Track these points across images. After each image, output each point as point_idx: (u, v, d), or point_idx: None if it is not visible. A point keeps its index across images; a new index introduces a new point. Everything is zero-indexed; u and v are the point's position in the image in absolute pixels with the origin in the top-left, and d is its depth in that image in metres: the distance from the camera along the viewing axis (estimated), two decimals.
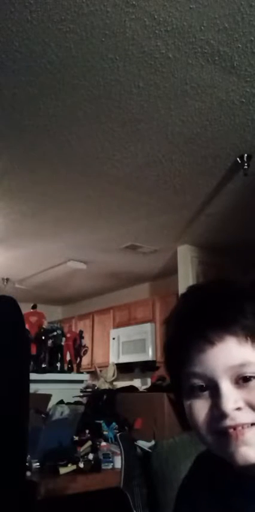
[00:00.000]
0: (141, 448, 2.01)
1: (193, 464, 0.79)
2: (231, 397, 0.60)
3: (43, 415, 2.29)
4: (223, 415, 0.60)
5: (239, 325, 0.61)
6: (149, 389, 3.10)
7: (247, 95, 2.38)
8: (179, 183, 3.41)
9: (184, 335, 0.64)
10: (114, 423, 2.49)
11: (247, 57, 2.11)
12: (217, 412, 0.60)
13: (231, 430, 0.60)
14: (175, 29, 1.94)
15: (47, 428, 2.22)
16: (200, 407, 0.62)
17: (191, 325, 0.63)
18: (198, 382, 0.62)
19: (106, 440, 2.35)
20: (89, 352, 5.79)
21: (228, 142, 2.84)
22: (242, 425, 0.59)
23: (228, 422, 0.59)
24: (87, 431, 2.40)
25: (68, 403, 2.61)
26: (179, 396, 0.67)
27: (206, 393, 0.62)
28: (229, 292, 0.65)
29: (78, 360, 3.37)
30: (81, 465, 2.08)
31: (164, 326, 0.71)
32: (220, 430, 0.60)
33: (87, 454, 2.18)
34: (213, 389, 0.61)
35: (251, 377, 0.60)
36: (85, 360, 4.94)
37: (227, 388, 0.60)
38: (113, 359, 6.00)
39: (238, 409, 0.60)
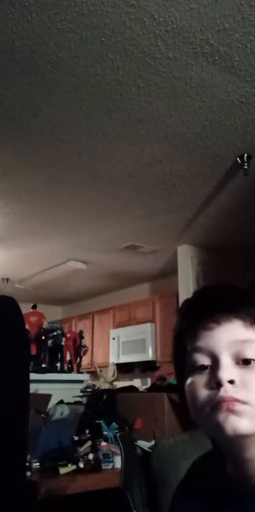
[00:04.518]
0: (141, 448, 2.01)
1: (189, 470, 0.80)
2: (229, 369, 0.63)
3: (43, 415, 2.29)
4: (218, 384, 0.62)
5: (246, 311, 0.66)
6: (149, 389, 3.09)
7: (247, 95, 2.38)
8: (179, 183, 3.41)
9: (193, 317, 0.68)
10: (114, 423, 2.49)
11: (247, 57, 2.11)
12: (213, 382, 0.63)
13: (223, 403, 0.62)
14: (175, 29, 1.94)
15: (47, 428, 2.22)
16: (199, 382, 0.65)
17: (199, 309, 0.68)
18: (201, 358, 0.66)
19: (106, 440, 2.35)
20: (89, 352, 5.79)
21: (228, 142, 2.84)
22: (234, 400, 0.62)
23: (221, 392, 0.62)
24: (87, 431, 2.40)
25: (68, 403, 2.61)
26: (182, 385, 0.69)
27: (207, 370, 0.65)
28: (236, 287, 0.71)
29: (78, 360, 3.36)
30: (81, 465, 2.08)
31: (170, 322, 0.75)
32: (214, 402, 0.63)
33: (87, 454, 2.17)
34: (214, 364, 0.64)
35: (251, 360, 0.63)
36: (85, 360, 4.94)
37: (226, 362, 0.64)
38: (113, 359, 6.00)
39: (232, 382, 0.62)
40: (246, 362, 0.63)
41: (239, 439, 0.62)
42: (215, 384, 0.63)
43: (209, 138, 2.80)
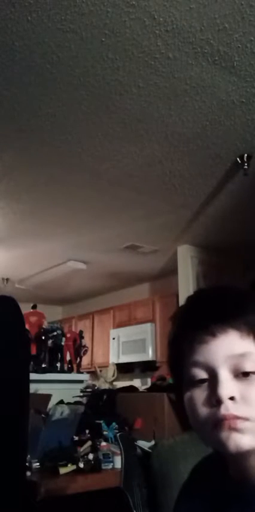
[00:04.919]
0: (141, 448, 2.01)
1: (190, 473, 0.79)
2: (229, 385, 0.61)
3: (43, 415, 2.29)
4: (218, 401, 0.61)
5: (242, 320, 0.63)
6: (149, 389, 3.10)
7: (247, 95, 2.38)
8: (179, 183, 3.41)
9: (188, 328, 0.66)
10: (114, 423, 2.49)
11: (247, 57, 2.11)
12: (214, 399, 0.62)
13: (225, 421, 0.61)
14: (175, 29, 1.94)
15: (47, 428, 2.22)
16: (199, 397, 0.64)
17: (194, 319, 0.66)
18: (199, 372, 0.64)
19: (106, 440, 2.35)
20: (89, 352, 5.79)
21: (228, 142, 2.84)
22: (236, 417, 0.60)
23: (222, 410, 0.61)
24: (87, 431, 2.40)
25: (68, 403, 2.61)
26: (180, 394, 0.68)
27: (206, 384, 0.64)
28: (232, 292, 0.68)
29: (78, 360, 3.36)
30: (81, 465, 2.08)
31: (169, 323, 0.73)
32: (215, 420, 0.61)
33: (87, 454, 2.17)
34: (212, 378, 0.63)
35: (250, 372, 0.62)
36: (85, 360, 4.94)
37: (225, 376, 0.62)
38: (113, 359, 6.00)
39: (232, 398, 0.61)
40: (245, 375, 0.62)
41: (242, 453, 0.62)
42: (216, 401, 0.61)
43: (209, 138, 2.80)
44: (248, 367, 0.62)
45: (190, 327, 0.66)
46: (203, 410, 0.63)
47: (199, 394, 0.64)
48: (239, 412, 0.61)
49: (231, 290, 0.69)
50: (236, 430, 0.60)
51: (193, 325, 0.66)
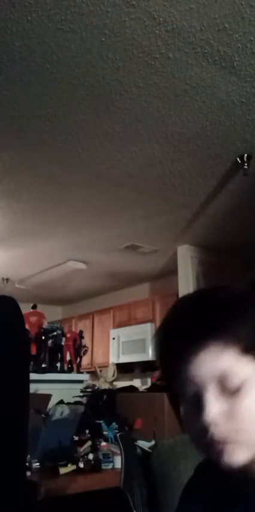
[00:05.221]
0: (141, 448, 2.01)
1: (193, 473, 0.79)
2: (213, 408, 0.60)
3: (43, 415, 2.29)
4: (204, 428, 0.60)
5: (224, 334, 0.61)
6: (149, 389, 3.10)
7: (247, 95, 2.38)
8: (179, 183, 3.41)
9: (171, 349, 0.65)
10: (114, 423, 2.49)
11: (247, 57, 2.11)
12: (200, 423, 0.61)
13: (214, 443, 0.60)
14: (175, 29, 1.94)
15: (47, 428, 2.22)
16: (190, 414, 0.63)
17: (175, 339, 0.65)
18: (188, 390, 0.63)
19: (106, 440, 2.35)
20: (89, 352, 5.79)
21: (228, 142, 2.84)
22: (224, 439, 0.60)
23: (210, 434, 0.60)
24: (87, 431, 2.40)
25: (68, 403, 2.61)
26: (176, 400, 0.68)
27: (197, 399, 0.63)
28: (210, 303, 0.65)
29: (78, 360, 3.36)
30: (81, 465, 2.07)
31: (154, 339, 0.72)
32: (205, 441, 0.61)
33: (87, 454, 2.17)
34: (200, 398, 0.62)
35: (235, 386, 0.60)
36: (85, 360, 4.94)
37: (211, 397, 0.61)
38: (113, 359, 6.00)
39: (218, 421, 0.60)
40: (231, 389, 0.60)
41: (238, 467, 0.61)
42: (202, 426, 0.61)
43: (209, 138, 2.80)
44: (232, 382, 0.60)
45: (172, 347, 0.65)
46: (195, 429, 0.62)
47: (191, 411, 0.63)
48: (227, 432, 0.60)
49: (212, 299, 0.66)
50: (226, 449, 0.60)
51: (175, 345, 0.64)
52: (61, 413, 2.32)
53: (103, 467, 2.14)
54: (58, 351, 3.19)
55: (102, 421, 2.50)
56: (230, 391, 0.60)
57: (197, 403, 0.62)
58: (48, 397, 2.59)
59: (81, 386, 3.18)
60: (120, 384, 3.92)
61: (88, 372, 3.85)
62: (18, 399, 1.36)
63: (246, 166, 3.01)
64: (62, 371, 3.19)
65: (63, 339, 3.21)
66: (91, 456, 2.15)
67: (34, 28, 1.94)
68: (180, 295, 4.78)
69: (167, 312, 0.69)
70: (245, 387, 0.60)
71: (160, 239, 4.74)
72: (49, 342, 3.11)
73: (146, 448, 1.98)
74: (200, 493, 0.73)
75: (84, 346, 3.42)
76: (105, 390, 3.14)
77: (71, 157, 3.04)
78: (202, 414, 0.60)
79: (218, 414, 0.60)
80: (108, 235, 4.62)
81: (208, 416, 0.60)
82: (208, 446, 0.61)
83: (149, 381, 4.86)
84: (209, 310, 0.63)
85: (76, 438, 2.31)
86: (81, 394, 3.02)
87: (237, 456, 0.60)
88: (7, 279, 6.20)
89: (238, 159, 3.01)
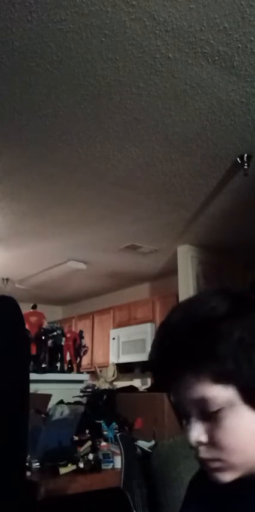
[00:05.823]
0: (141, 448, 2.01)
1: (194, 475, 0.80)
2: (196, 431, 0.63)
3: (43, 415, 2.29)
4: (191, 446, 0.63)
5: (188, 369, 0.62)
6: (149, 389, 3.10)
7: (247, 95, 2.38)
8: (179, 183, 3.41)
9: (159, 375, 0.69)
10: (114, 423, 2.49)
11: (247, 57, 2.11)
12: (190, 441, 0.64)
13: (202, 461, 0.64)
14: (175, 29, 1.94)
15: (47, 428, 2.22)
16: (186, 429, 0.65)
17: (160, 363, 0.67)
18: (179, 409, 0.66)
19: (106, 440, 2.35)
20: (89, 352, 5.79)
21: (228, 142, 2.84)
22: (209, 460, 0.63)
23: (196, 453, 0.63)
24: (87, 431, 2.40)
25: (68, 403, 2.61)
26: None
27: (187, 417, 0.65)
28: (181, 335, 0.64)
29: (78, 360, 3.37)
30: (81, 465, 2.07)
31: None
32: (197, 457, 0.64)
33: (87, 454, 2.17)
34: (188, 418, 0.65)
35: (214, 413, 0.61)
36: (85, 360, 4.94)
37: (194, 420, 0.63)
38: (113, 359, 6.01)
39: (201, 443, 0.62)
40: (212, 415, 0.61)
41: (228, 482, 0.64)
42: (191, 443, 0.64)
43: (209, 138, 2.80)
44: (210, 409, 0.61)
45: (159, 373, 0.68)
46: (190, 441, 0.64)
47: (185, 424, 0.66)
48: (211, 454, 0.62)
49: (189, 326, 0.63)
50: (213, 469, 0.63)
51: (160, 369, 0.67)
52: (61, 413, 2.32)
53: (103, 467, 2.14)
54: (58, 351, 3.19)
55: (102, 421, 2.50)
56: (210, 416, 0.62)
57: (188, 419, 0.65)
58: (48, 397, 2.59)
59: (81, 386, 3.18)
60: (120, 384, 3.93)
61: (88, 372, 3.85)
62: (18, 399, 1.36)
63: (246, 166, 3.01)
64: (62, 371, 3.19)
65: (63, 339, 3.22)
66: (91, 456, 2.15)
67: (34, 28, 1.94)
68: (180, 295, 4.80)
69: (158, 327, 0.70)
70: (221, 415, 0.61)
71: (160, 239, 4.74)
72: (49, 342, 3.12)
73: (146, 448, 1.98)
74: (202, 491, 0.74)
75: (84, 346, 3.43)
76: (105, 390, 3.13)
77: (71, 158, 3.04)
78: (189, 433, 0.63)
79: (203, 436, 0.62)
80: (108, 235, 4.62)
81: (191, 439, 0.63)
82: (199, 459, 0.64)
83: (149, 381, 4.87)
84: (186, 339, 0.62)
85: (76, 438, 2.31)
86: (81, 394, 3.01)
87: (223, 476, 0.62)
88: (7, 279, 6.21)
89: (238, 159, 3.01)
